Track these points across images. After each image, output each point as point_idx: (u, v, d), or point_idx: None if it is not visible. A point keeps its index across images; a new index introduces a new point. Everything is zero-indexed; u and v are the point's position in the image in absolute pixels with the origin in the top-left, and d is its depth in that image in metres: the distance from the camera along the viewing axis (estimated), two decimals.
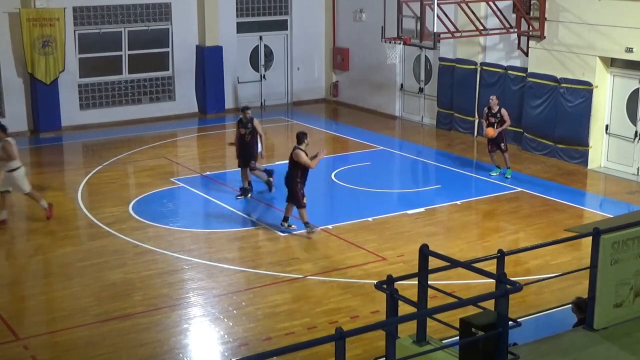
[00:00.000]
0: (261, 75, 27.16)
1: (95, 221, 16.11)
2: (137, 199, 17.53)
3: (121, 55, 24.76)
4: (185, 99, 25.86)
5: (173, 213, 16.90)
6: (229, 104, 26.32)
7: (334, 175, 19.05)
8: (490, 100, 18.55)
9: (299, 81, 27.69)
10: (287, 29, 27.39)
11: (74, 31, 23.80)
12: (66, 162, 21.71)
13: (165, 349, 11.14)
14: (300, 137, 15.02)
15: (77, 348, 11.12)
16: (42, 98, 23.26)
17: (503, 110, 18.42)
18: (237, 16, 26.32)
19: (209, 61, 25.50)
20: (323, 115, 26.65)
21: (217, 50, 25.59)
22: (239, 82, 26.60)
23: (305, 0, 27.26)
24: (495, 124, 18.34)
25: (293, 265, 13.88)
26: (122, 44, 24.66)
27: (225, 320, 11.90)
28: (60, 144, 22.96)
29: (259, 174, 17.56)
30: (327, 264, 13.88)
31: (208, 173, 19.44)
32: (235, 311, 12.12)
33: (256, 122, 17.34)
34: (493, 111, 18.42)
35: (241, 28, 26.50)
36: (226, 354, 11.03)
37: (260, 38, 26.99)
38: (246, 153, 17.18)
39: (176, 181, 18.75)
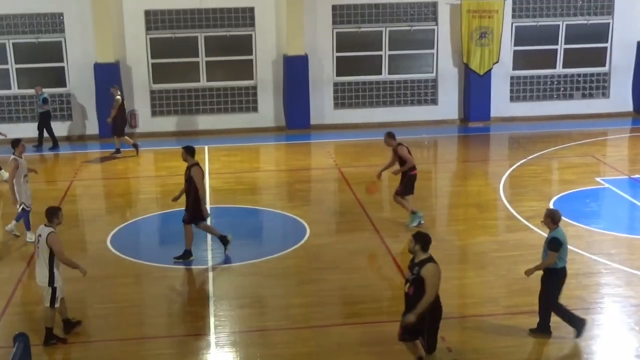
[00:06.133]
0: None
1: (515, 213, 16.07)
2: (559, 195, 17.14)
3: (557, 49, 24.39)
4: (621, 97, 24.70)
5: (595, 214, 16.25)
6: None
7: None
8: None
9: None
10: None
11: (512, 24, 23.93)
12: (492, 152, 22.00)
13: (573, 352, 10.73)
14: None
15: (484, 336, 11.18)
16: (474, 88, 23.78)
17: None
18: None
19: None
20: None
21: None
22: None
23: None
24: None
25: None
26: (559, 37, 24.25)
27: None
28: (488, 135, 23.30)
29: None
30: None
31: (638, 176, 18.35)
32: None
33: None
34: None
35: None
36: None
37: None
38: None
39: (602, 181, 17.99)
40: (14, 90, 23.00)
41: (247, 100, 23.98)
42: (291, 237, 15.12)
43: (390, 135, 15.38)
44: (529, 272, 10.97)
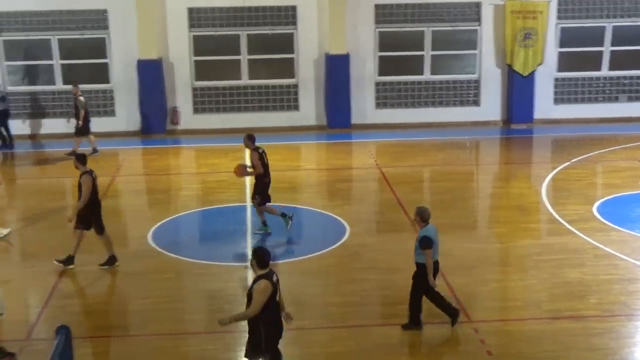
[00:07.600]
0: None
1: (557, 217, 15.86)
2: (603, 199, 16.90)
3: (602, 51, 24.05)
4: None
5: None
6: None
7: None
8: None
9: None
10: None
11: (556, 24, 23.65)
12: (535, 155, 21.76)
13: (616, 358, 10.54)
14: None
15: (525, 340, 11.00)
16: (517, 90, 23.55)
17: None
18: None
19: None
20: None
21: None
22: None
23: None
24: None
25: None
26: (605, 39, 23.91)
27: None
28: (531, 137, 23.06)
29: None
30: None
31: None
32: None
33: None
34: None
35: None
36: None
37: None
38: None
39: None
40: (59, 85, 23.24)
41: (288, 99, 23.98)
42: (331, 236, 15.07)
43: (248, 138, 14.88)
44: (432, 283, 11.14)
